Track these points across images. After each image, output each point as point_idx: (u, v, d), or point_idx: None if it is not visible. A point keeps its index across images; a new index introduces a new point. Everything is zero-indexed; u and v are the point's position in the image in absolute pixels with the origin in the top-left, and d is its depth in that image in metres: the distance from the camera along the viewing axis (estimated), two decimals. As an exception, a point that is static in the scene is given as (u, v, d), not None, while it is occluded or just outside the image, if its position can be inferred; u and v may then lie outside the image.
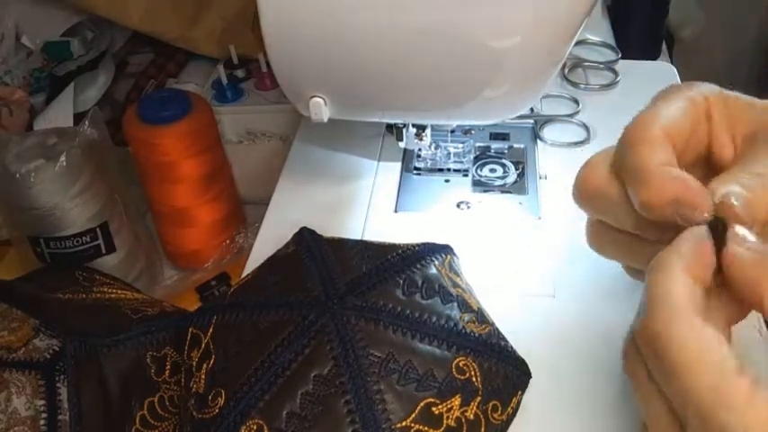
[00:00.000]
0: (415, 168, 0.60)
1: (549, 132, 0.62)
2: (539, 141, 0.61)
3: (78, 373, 0.44)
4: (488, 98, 0.47)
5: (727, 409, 0.25)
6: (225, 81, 0.70)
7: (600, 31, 0.75)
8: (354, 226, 0.54)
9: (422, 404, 0.36)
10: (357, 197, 0.57)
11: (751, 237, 0.29)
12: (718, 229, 0.29)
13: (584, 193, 0.36)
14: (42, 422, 0.44)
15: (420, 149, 0.60)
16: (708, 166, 0.36)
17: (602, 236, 0.37)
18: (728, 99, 0.35)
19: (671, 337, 0.27)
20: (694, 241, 0.29)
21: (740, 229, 0.29)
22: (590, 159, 0.36)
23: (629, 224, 0.34)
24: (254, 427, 0.36)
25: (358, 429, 0.35)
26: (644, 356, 0.29)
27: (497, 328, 0.42)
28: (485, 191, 0.58)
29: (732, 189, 0.30)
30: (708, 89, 0.35)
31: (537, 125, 0.62)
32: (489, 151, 0.61)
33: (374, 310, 0.39)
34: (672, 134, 0.33)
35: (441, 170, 0.60)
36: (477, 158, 0.60)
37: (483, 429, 0.38)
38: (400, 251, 0.43)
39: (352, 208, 0.56)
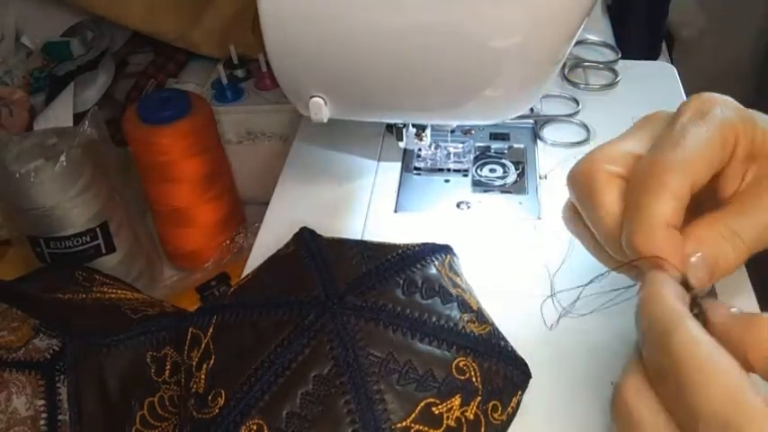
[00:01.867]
0: (415, 168, 0.60)
1: (549, 132, 0.62)
2: (539, 141, 0.61)
3: (78, 373, 0.44)
4: (488, 98, 0.47)
5: (746, 420, 0.25)
6: (225, 81, 0.70)
7: (600, 31, 0.75)
8: (354, 226, 0.54)
9: (422, 404, 0.36)
10: (357, 197, 0.57)
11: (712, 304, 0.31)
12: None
13: (579, 181, 0.37)
14: (42, 422, 0.44)
15: (420, 149, 0.60)
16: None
17: (576, 221, 0.39)
18: (757, 131, 0.35)
19: (685, 353, 0.28)
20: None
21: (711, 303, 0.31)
22: (596, 152, 0.36)
23: (605, 235, 0.35)
24: (254, 427, 0.36)
25: (358, 429, 0.35)
26: (653, 384, 0.29)
27: (497, 328, 0.42)
28: (485, 191, 0.58)
29: (697, 260, 0.32)
30: (738, 117, 0.35)
31: (537, 125, 0.62)
32: (489, 151, 0.61)
33: (374, 310, 0.39)
34: (697, 181, 0.33)
35: (441, 170, 0.60)
36: (477, 158, 0.60)
37: (483, 429, 0.38)
38: (400, 251, 0.43)
39: (352, 208, 0.56)
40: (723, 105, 0.35)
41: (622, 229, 0.34)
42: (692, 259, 0.33)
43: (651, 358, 0.29)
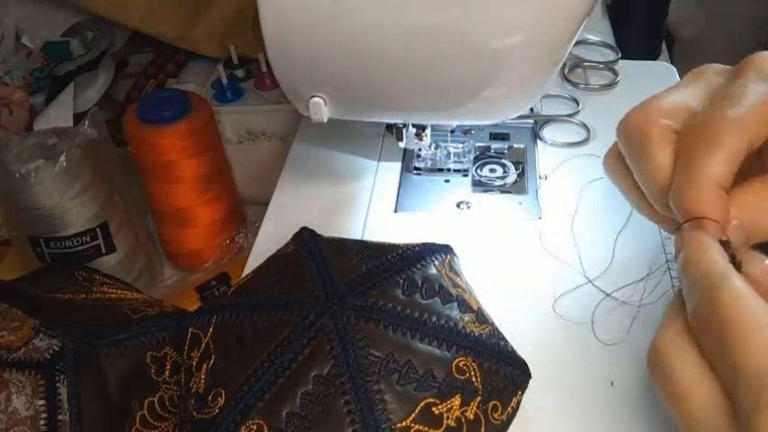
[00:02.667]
0: (415, 168, 0.60)
1: (549, 132, 0.62)
2: (539, 141, 0.61)
3: (78, 373, 0.44)
4: (488, 98, 0.47)
5: None
6: (225, 81, 0.70)
7: (600, 31, 0.75)
8: (354, 226, 0.54)
9: (422, 404, 0.36)
10: (357, 197, 0.57)
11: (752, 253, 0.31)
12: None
13: (632, 133, 0.35)
14: (42, 422, 0.44)
15: (420, 149, 0.60)
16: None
17: (620, 171, 0.37)
18: None
19: (730, 308, 0.28)
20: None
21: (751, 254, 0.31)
22: (650, 103, 0.36)
23: (651, 188, 0.35)
24: (254, 427, 0.36)
25: (358, 429, 0.35)
26: (696, 337, 0.29)
27: (497, 328, 0.42)
28: (485, 191, 0.58)
29: (736, 224, 0.32)
30: None
31: (537, 125, 0.62)
32: (489, 151, 0.61)
33: (374, 310, 0.38)
34: (752, 143, 0.32)
35: (441, 170, 0.60)
36: (477, 158, 0.60)
37: (483, 429, 0.38)
38: (400, 251, 0.43)
39: (352, 208, 0.56)
40: None
41: (671, 185, 0.33)
42: (733, 222, 0.32)
43: (696, 311, 0.29)
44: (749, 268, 0.31)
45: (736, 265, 0.31)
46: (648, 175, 0.34)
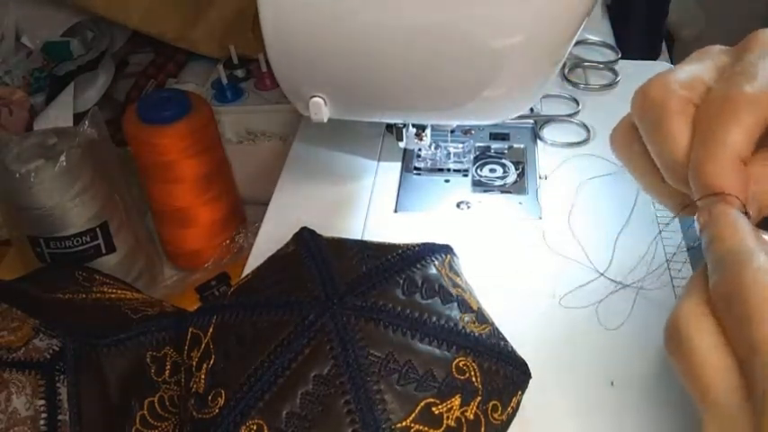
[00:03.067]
0: (415, 168, 0.60)
1: (549, 132, 0.62)
2: (539, 141, 0.61)
3: (78, 373, 0.44)
4: (488, 98, 0.47)
5: None
6: (225, 81, 0.70)
7: (600, 31, 0.75)
8: (354, 226, 0.54)
9: (422, 404, 0.36)
10: (357, 197, 0.57)
11: None
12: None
13: (649, 107, 0.35)
14: (42, 422, 0.44)
15: (420, 149, 0.60)
16: None
17: (632, 146, 0.37)
18: None
19: (755, 285, 0.28)
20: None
21: None
22: (669, 74, 0.35)
23: (666, 162, 0.34)
24: (254, 427, 0.36)
25: (358, 429, 0.35)
26: (717, 311, 0.29)
27: (497, 328, 0.42)
28: (485, 191, 0.58)
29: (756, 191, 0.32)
30: None
31: (537, 125, 0.62)
32: (489, 151, 0.61)
33: (374, 310, 0.38)
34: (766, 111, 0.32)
35: (441, 170, 0.60)
36: (477, 158, 0.60)
37: (483, 429, 0.38)
38: (400, 251, 0.43)
39: (352, 208, 0.56)
40: None
41: (690, 159, 0.33)
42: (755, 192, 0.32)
43: (718, 286, 0.29)
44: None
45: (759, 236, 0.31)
46: (667, 147, 0.34)
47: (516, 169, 0.59)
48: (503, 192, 0.57)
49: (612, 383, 0.43)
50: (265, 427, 0.36)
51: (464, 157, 0.60)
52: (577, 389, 0.42)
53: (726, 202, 0.31)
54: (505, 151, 0.61)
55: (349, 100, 0.49)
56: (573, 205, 0.54)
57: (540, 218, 0.54)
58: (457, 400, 0.37)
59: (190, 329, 0.42)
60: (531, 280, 0.49)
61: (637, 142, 0.36)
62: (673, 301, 0.46)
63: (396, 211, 0.56)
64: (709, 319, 0.30)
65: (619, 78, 0.67)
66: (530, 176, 0.58)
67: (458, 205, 0.56)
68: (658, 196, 0.37)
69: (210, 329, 0.41)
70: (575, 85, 0.66)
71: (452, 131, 0.62)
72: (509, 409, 0.40)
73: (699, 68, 0.35)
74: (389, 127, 0.58)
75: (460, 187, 0.58)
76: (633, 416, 0.41)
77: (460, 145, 0.61)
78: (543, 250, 0.51)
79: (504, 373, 0.39)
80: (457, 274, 0.44)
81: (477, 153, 0.61)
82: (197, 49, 0.80)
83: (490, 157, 0.61)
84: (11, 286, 0.52)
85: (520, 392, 0.41)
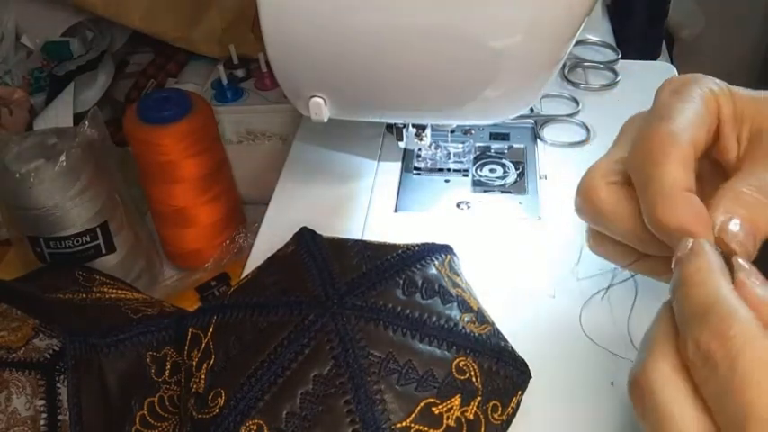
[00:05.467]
0: (415, 168, 0.60)
1: (549, 132, 0.62)
2: (539, 141, 0.61)
3: (78, 373, 0.44)
4: (488, 98, 0.47)
5: None
6: (225, 81, 0.70)
7: (600, 31, 0.75)
8: (354, 226, 0.54)
9: (422, 404, 0.36)
10: (357, 197, 0.57)
11: (751, 270, 0.29)
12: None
13: (584, 206, 0.36)
14: (42, 422, 0.44)
15: (420, 149, 0.60)
16: (711, 158, 0.35)
17: (601, 242, 0.38)
18: (735, 95, 0.34)
19: (745, 347, 0.25)
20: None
21: (742, 263, 0.29)
22: (590, 171, 0.36)
23: (629, 239, 0.34)
24: (254, 427, 0.36)
25: (358, 429, 0.35)
26: (691, 369, 0.27)
27: (497, 328, 0.42)
28: (485, 191, 0.58)
29: (730, 219, 0.30)
30: (714, 86, 0.35)
31: (537, 125, 0.62)
32: (489, 151, 0.61)
33: (374, 310, 0.39)
34: (696, 145, 0.32)
35: (441, 170, 0.60)
36: (477, 158, 0.60)
37: (483, 429, 0.38)
38: (400, 251, 0.43)
39: (352, 208, 0.56)
40: (694, 80, 0.35)
41: (642, 214, 0.32)
42: (731, 226, 0.30)
43: (698, 343, 0.27)
44: (746, 287, 0.28)
45: (729, 264, 0.29)
46: (618, 229, 0.34)
47: (516, 169, 0.59)
48: (503, 192, 0.57)
49: (612, 383, 0.43)
50: (265, 427, 0.36)
51: (464, 157, 0.60)
52: (577, 389, 0.42)
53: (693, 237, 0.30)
54: (505, 151, 0.61)
55: (349, 100, 0.49)
56: (573, 205, 0.54)
57: (540, 218, 0.54)
58: (457, 400, 0.37)
59: (190, 329, 0.42)
60: (530, 280, 0.49)
61: (605, 239, 0.37)
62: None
63: (396, 211, 0.56)
64: (683, 382, 0.27)
65: (619, 78, 0.67)
66: (530, 176, 0.58)
67: (458, 205, 0.56)
68: (658, 276, 0.36)
69: (210, 329, 0.41)
70: (575, 85, 0.66)
71: (452, 131, 0.62)
72: (509, 409, 0.40)
73: (617, 151, 0.36)
74: (389, 127, 0.58)
75: (460, 187, 0.58)
76: (633, 416, 0.41)
77: (460, 145, 0.61)
78: (543, 250, 0.51)
79: (505, 373, 0.39)
80: (457, 275, 0.44)
81: (477, 153, 0.61)
82: (197, 49, 0.80)
83: (490, 157, 0.61)
84: (11, 286, 0.52)
85: (520, 392, 0.41)
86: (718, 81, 0.35)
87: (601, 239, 0.37)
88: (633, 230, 0.34)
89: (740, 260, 0.29)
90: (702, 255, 0.29)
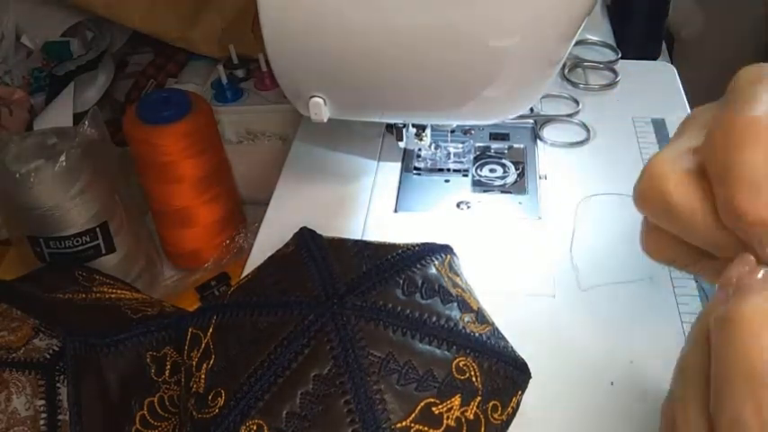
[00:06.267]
0: (415, 168, 0.60)
1: (549, 132, 0.62)
2: (539, 141, 0.61)
3: (78, 373, 0.44)
4: (488, 98, 0.47)
5: None
6: (225, 81, 0.70)
7: (600, 31, 0.75)
8: (354, 226, 0.54)
9: (422, 404, 0.36)
10: (357, 197, 0.57)
11: None
12: None
13: (651, 195, 0.31)
14: (42, 422, 0.44)
15: (420, 149, 0.60)
16: None
17: (661, 242, 0.33)
18: None
19: None
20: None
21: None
22: (657, 158, 0.31)
23: (698, 236, 0.30)
24: (254, 428, 0.36)
25: (358, 429, 0.35)
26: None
27: (497, 328, 0.42)
28: (485, 191, 0.58)
29: None
30: None
31: (537, 125, 0.62)
32: (489, 151, 0.61)
33: (374, 310, 0.38)
34: None
35: (441, 170, 0.60)
36: (477, 158, 0.60)
37: (483, 429, 0.38)
38: (400, 251, 0.43)
39: (352, 208, 0.56)
40: None
41: (717, 207, 0.29)
42: None
43: (736, 413, 0.25)
44: None
45: None
46: (686, 224, 0.30)
47: (516, 169, 0.59)
48: (503, 192, 0.57)
49: (612, 383, 0.43)
50: (265, 427, 0.36)
51: (464, 157, 0.60)
52: (577, 389, 0.42)
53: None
54: (505, 151, 0.61)
55: (349, 100, 0.49)
56: (573, 205, 0.54)
57: (540, 218, 0.54)
58: (457, 400, 0.37)
59: (190, 329, 0.42)
60: (530, 280, 0.49)
61: (671, 239, 0.32)
62: (674, 301, 0.47)
63: (396, 211, 0.56)
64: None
65: (619, 78, 0.67)
66: (530, 176, 0.58)
67: (458, 205, 0.56)
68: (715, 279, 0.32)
69: (210, 329, 0.41)
70: (575, 85, 0.66)
71: (452, 131, 0.62)
72: (509, 409, 0.40)
73: (682, 140, 0.32)
74: (389, 127, 0.58)
75: (460, 187, 0.58)
76: (633, 416, 0.41)
77: (460, 145, 0.61)
78: (543, 250, 0.51)
79: (505, 373, 0.39)
80: (457, 275, 0.44)
81: (477, 153, 0.61)
82: (197, 49, 0.80)
83: (490, 157, 0.61)
84: (11, 286, 0.52)
85: (520, 392, 0.41)
86: None
87: (660, 237, 0.33)
88: (704, 225, 0.30)
89: None
90: (755, 298, 0.25)
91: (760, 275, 0.27)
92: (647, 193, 0.31)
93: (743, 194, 0.27)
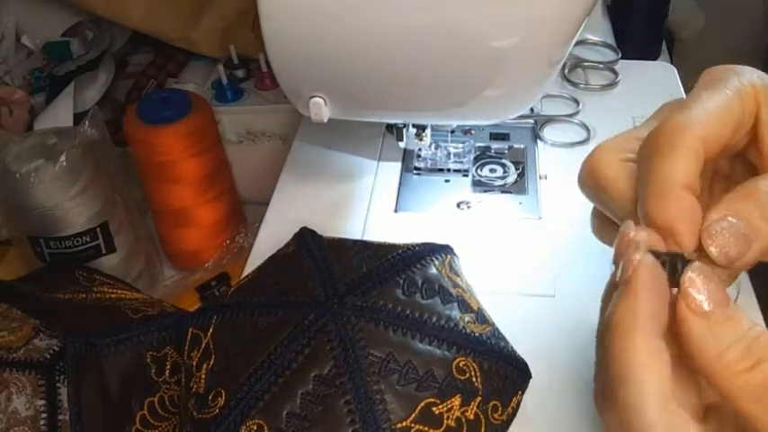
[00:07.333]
0: (415, 168, 0.60)
1: (549, 132, 0.62)
2: (539, 141, 0.61)
3: (78, 373, 0.44)
4: (488, 98, 0.47)
5: None
6: (225, 81, 0.70)
7: (600, 31, 0.75)
8: (354, 226, 0.54)
9: (422, 404, 0.36)
10: (357, 197, 0.57)
11: (703, 289, 0.26)
12: (676, 267, 0.27)
13: (588, 180, 0.34)
14: (42, 422, 0.44)
15: (420, 149, 0.60)
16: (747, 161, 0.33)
17: (604, 226, 0.36)
18: None
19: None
20: (650, 297, 0.27)
21: (694, 282, 0.27)
22: (604, 144, 0.33)
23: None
24: (254, 428, 0.36)
25: (358, 429, 0.35)
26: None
27: (497, 328, 0.42)
28: (485, 191, 0.58)
29: (723, 219, 0.28)
30: (759, 80, 0.31)
31: (537, 125, 0.62)
32: (489, 151, 0.61)
33: (374, 310, 0.38)
34: (710, 141, 0.30)
35: (441, 170, 0.60)
36: (477, 158, 0.60)
37: (483, 429, 0.38)
38: (400, 251, 0.43)
39: (352, 208, 0.56)
40: (736, 71, 0.31)
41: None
42: (717, 227, 0.27)
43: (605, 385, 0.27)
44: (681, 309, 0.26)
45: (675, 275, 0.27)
46: (618, 212, 0.32)
47: (516, 169, 0.59)
48: (503, 192, 0.57)
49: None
50: (265, 427, 0.36)
51: (464, 157, 0.60)
52: (577, 389, 0.42)
53: (672, 235, 0.28)
54: (505, 151, 0.61)
55: (349, 100, 0.49)
56: (573, 205, 0.54)
57: (540, 218, 0.54)
58: (457, 400, 0.37)
59: (190, 329, 0.42)
60: (531, 280, 0.49)
61: (608, 223, 0.35)
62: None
63: (396, 211, 0.56)
64: None
65: (619, 78, 0.67)
66: (530, 176, 0.58)
67: (458, 205, 0.56)
68: None
69: (210, 329, 0.41)
70: (575, 85, 0.66)
71: (452, 131, 0.62)
72: (509, 409, 0.40)
73: (638, 130, 0.34)
74: (389, 127, 0.58)
75: (460, 187, 0.58)
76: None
77: (460, 145, 0.61)
78: (543, 250, 0.51)
79: (505, 373, 0.39)
80: (457, 275, 0.44)
81: (478, 153, 0.61)
82: (197, 49, 0.80)
83: (490, 157, 0.61)
84: (11, 286, 0.52)
85: (520, 392, 0.41)
86: (762, 75, 0.31)
87: (603, 221, 0.35)
88: (631, 212, 0.31)
89: (690, 274, 0.27)
90: (633, 294, 0.27)
91: (637, 235, 0.28)
92: (585, 176, 0.34)
93: (651, 199, 0.29)
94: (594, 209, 0.36)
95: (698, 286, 0.26)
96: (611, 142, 0.33)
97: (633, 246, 0.28)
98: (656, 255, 0.28)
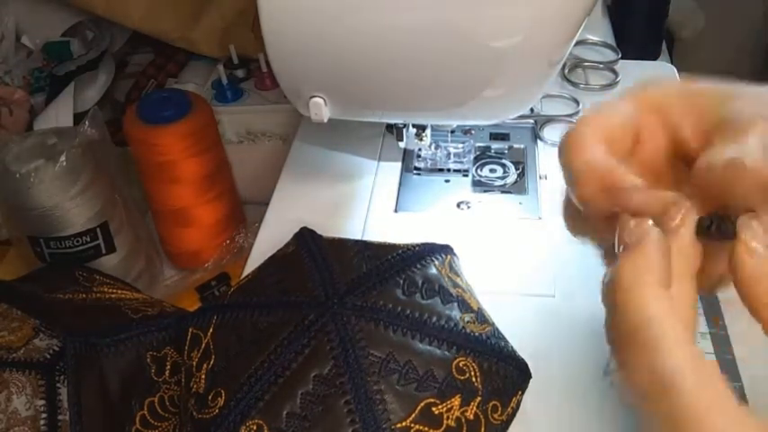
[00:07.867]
0: (415, 168, 0.60)
1: (549, 132, 0.62)
2: (539, 141, 0.61)
3: (78, 373, 0.44)
4: (488, 98, 0.47)
5: None
6: (225, 81, 0.70)
7: (600, 31, 0.75)
8: (354, 226, 0.54)
9: (422, 404, 0.36)
10: (357, 197, 0.57)
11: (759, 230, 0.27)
12: (711, 227, 0.28)
13: (563, 154, 0.35)
14: (42, 422, 0.44)
15: (420, 149, 0.60)
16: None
17: (575, 218, 0.38)
18: (690, 91, 0.32)
19: (677, 386, 0.26)
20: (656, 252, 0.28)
21: (751, 228, 0.27)
22: (585, 116, 0.34)
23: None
24: (254, 428, 0.36)
25: (358, 429, 0.35)
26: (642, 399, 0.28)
27: (497, 329, 0.42)
28: (485, 191, 0.58)
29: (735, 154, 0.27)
30: (665, 86, 0.33)
31: (537, 125, 0.62)
32: (489, 151, 0.61)
33: (374, 310, 0.38)
34: (608, 135, 0.32)
35: (441, 170, 0.60)
36: (477, 158, 0.60)
37: (483, 429, 0.38)
38: (400, 251, 0.43)
39: (352, 208, 0.56)
40: (654, 84, 0.33)
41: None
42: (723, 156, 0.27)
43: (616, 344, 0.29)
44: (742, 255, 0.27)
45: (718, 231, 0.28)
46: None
47: (516, 169, 0.59)
48: (503, 192, 0.57)
49: (613, 383, 0.42)
50: (265, 427, 0.36)
51: (464, 157, 0.60)
52: (577, 389, 0.42)
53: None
54: (505, 151, 0.61)
55: (349, 100, 0.49)
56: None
57: (540, 218, 0.54)
58: (457, 401, 0.37)
59: (190, 329, 0.42)
60: (531, 280, 0.49)
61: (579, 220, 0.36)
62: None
63: (396, 211, 0.56)
64: None
65: (619, 78, 0.67)
66: (530, 176, 0.58)
67: (458, 205, 0.56)
68: None
69: (210, 329, 0.41)
70: (575, 85, 0.66)
71: (452, 131, 0.62)
72: (509, 409, 0.40)
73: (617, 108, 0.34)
74: (389, 127, 0.58)
75: (460, 187, 0.58)
76: (633, 417, 0.41)
77: (460, 145, 0.61)
78: (543, 250, 0.51)
79: (505, 373, 0.39)
80: (457, 275, 0.44)
81: (478, 153, 0.61)
82: (197, 49, 0.80)
83: (490, 157, 0.61)
84: (11, 286, 0.52)
85: (520, 392, 0.41)
86: (673, 82, 0.33)
87: (574, 213, 0.37)
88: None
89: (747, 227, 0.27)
90: (640, 250, 0.28)
91: (632, 224, 0.29)
92: (564, 146, 0.34)
93: (571, 189, 0.32)
94: (565, 201, 0.37)
95: (753, 229, 0.27)
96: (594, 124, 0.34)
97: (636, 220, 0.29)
98: (701, 219, 0.29)
